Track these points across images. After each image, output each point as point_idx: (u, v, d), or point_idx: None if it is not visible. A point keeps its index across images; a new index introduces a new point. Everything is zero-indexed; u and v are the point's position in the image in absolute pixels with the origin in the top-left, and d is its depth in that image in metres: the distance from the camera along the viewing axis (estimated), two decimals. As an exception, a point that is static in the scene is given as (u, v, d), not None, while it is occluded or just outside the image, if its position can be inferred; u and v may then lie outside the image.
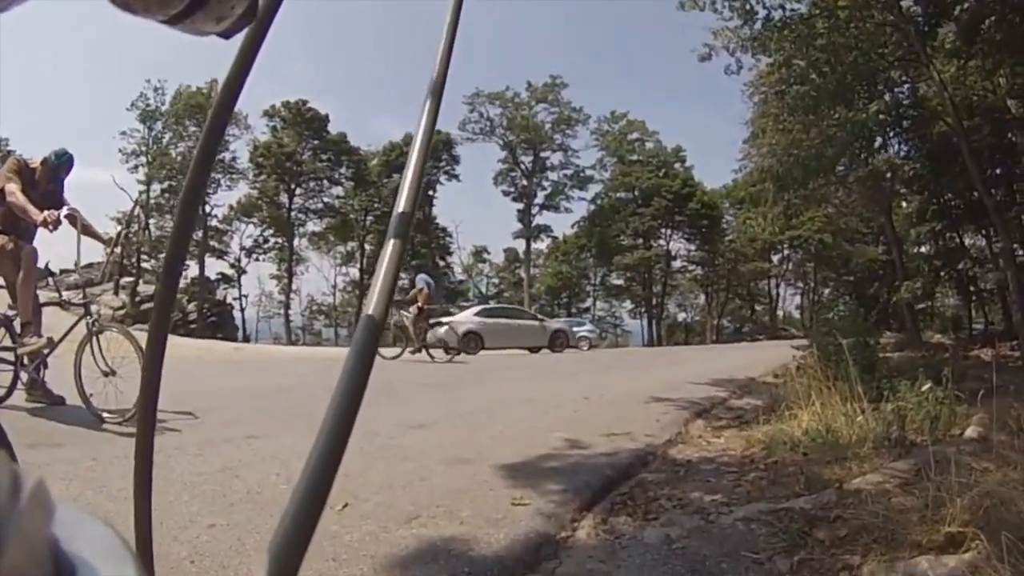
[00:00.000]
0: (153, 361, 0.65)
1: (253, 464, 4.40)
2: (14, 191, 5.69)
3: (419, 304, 15.89)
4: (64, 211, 5.91)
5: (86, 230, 6.19)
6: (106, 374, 5.70)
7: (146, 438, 0.67)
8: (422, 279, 16.57)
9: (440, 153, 54.25)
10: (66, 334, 6.11)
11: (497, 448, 5.21)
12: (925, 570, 2.67)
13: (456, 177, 56.58)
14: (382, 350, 14.69)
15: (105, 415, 5.53)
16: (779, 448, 5.25)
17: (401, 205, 0.53)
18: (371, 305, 0.46)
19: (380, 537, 3.17)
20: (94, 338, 5.82)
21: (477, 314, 24.93)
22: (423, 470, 4.48)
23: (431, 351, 15.68)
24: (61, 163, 6.26)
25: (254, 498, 3.68)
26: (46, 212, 5.60)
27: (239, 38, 0.62)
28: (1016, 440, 4.65)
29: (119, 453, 4.41)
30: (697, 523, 3.56)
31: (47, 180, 6.19)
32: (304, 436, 5.31)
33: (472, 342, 22.42)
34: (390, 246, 0.50)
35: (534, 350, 23.88)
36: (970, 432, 5.22)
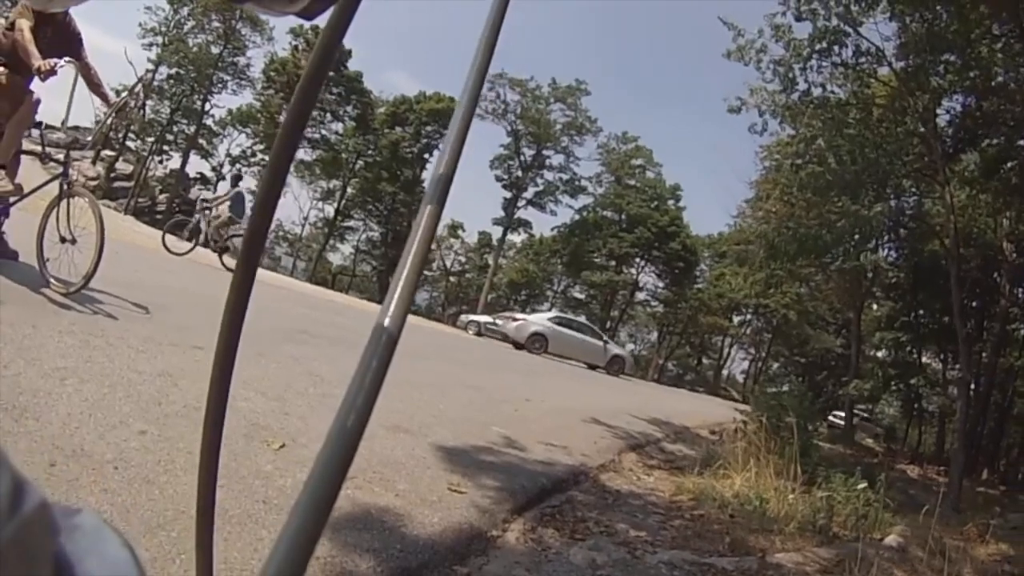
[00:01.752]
0: (237, 307, 0.55)
1: (194, 377, 4.08)
2: (23, 27, 5.45)
3: (228, 214, 15.72)
4: (63, 60, 5.58)
5: (96, 87, 5.89)
6: (64, 240, 5.46)
7: (218, 407, 0.57)
8: (244, 191, 16.53)
9: (446, 120, 54.02)
10: (37, 188, 5.86)
11: (437, 427, 5.21)
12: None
13: (454, 148, 55.90)
14: (174, 245, 14.17)
15: (52, 281, 5.32)
16: (707, 503, 5.32)
17: (441, 167, 0.47)
18: (400, 279, 0.41)
19: (315, 489, 3.10)
20: (64, 201, 5.57)
21: (551, 319, 26.07)
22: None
23: (224, 260, 15.12)
24: None
25: (191, 413, 3.45)
26: (45, 60, 5.33)
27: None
28: (933, 560, 4.76)
29: (62, 328, 4.26)
30: (623, 555, 3.58)
31: (59, 23, 5.81)
32: (247, 362, 5.17)
33: (537, 342, 24.16)
34: (426, 211, 0.45)
35: (592, 367, 24.42)
36: (890, 540, 5.34)
